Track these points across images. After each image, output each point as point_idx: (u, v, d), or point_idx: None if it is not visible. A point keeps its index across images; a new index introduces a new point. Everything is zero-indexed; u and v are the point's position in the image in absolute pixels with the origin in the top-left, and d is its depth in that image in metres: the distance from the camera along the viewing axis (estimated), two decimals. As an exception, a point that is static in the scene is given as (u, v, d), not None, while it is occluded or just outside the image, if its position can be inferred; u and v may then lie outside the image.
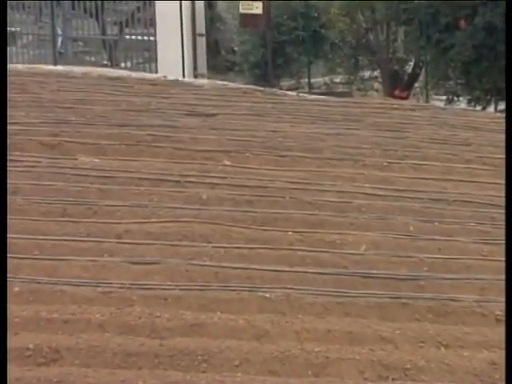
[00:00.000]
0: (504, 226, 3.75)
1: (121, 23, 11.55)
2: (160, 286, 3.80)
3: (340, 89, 12.54)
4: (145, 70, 10.60)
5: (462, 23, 9.80)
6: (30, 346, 3.21)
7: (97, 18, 11.48)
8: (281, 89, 10.43)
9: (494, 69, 9.37)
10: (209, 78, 10.38)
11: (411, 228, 4.71)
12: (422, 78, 11.51)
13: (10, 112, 5.23)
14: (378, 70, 12.31)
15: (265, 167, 5.74)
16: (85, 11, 11.48)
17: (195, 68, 10.48)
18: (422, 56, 10.82)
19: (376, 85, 12.52)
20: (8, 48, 8.57)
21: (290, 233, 4.51)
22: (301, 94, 9.50)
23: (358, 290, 3.89)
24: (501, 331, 3.31)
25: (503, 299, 3.35)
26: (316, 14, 11.61)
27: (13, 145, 5.50)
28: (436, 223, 4.81)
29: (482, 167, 6.04)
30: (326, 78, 12.74)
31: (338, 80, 12.75)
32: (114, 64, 11.18)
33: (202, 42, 10.62)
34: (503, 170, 4.71)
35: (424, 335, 3.49)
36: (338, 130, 6.78)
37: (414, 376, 3.22)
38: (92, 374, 3.06)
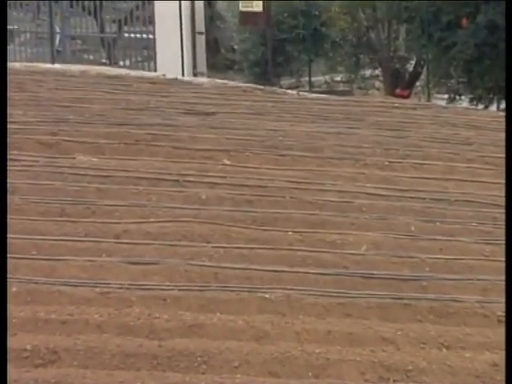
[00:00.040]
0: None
1: (119, 21, 11.52)
2: (159, 286, 3.77)
3: (341, 87, 12.52)
4: (144, 69, 10.58)
5: (464, 21, 9.77)
6: (28, 347, 3.19)
7: (95, 16, 11.46)
8: (281, 87, 10.41)
9: (496, 67, 9.34)
10: (208, 76, 10.36)
11: (412, 228, 4.69)
12: (423, 76, 11.49)
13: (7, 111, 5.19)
14: (379, 69, 12.29)
15: (265, 166, 5.71)
16: (83, 9, 11.46)
17: (194, 66, 10.46)
18: (424, 54, 10.79)
19: (377, 83, 12.51)
20: (6, 46, 8.50)
21: (290, 233, 4.48)
22: (301, 93, 9.48)
23: (359, 290, 3.87)
24: (503, 332, 3.28)
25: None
26: (317, 12, 11.59)
27: (10, 144, 5.46)
28: (437, 223, 4.78)
29: (484, 167, 6.02)
30: (327, 77, 12.72)
31: (338, 78, 12.74)
32: (112, 62, 11.16)
33: (201, 40, 10.59)
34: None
35: (426, 336, 3.47)
36: (338, 129, 6.76)
37: (415, 377, 3.19)
38: (90, 376, 3.04)
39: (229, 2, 12.39)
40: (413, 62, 11.90)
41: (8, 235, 3.71)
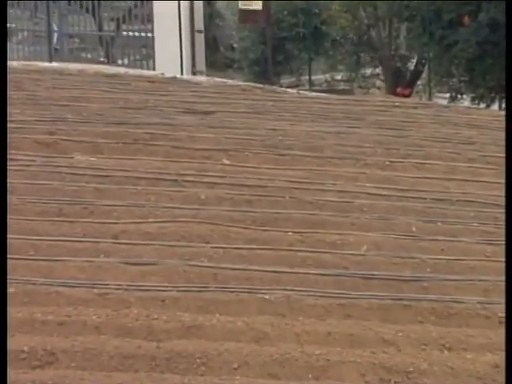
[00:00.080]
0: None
1: (118, 19, 11.49)
2: (157, 287, 3.75)
3: (341, 86, 12.49)
4: (142, 67, 10.55)
5: (466, 19, 9.75)
6: (25, 348, 3.17)
7: (93, 14, 11.42)
8: (281, 86, 10.39)
9: (498, 66, 9.31)
10: (207, 75, 10.33)
11: (413, 228, 4.67)
12: (424, 75, 11.46)
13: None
14: (380, 68, 12.26)
15: (264, 166, 5.68)
16: (81, 7, 11.43)
17: (193, 65, 10.43)
18: (425, 53, 10.77)
19: (378, 82, 12.48)
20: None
21: (290, 233, 4.46)
22: (301, 92, 9.46)
23: (360, 291, 3.84)
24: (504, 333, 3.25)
25: (508, 301, 3.29)
26: (317, 10, 11.57)
27: (8, 143, 5.43)
28: (439, 223, 4.76)
29: (486, 166, 6.00)
30: (327, 76, 12.69)
31: (339, 77, 12.71)
32: (110, 61, 11.13)
33: (200, 39, 10.56)
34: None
35: (427, 337, 3.45)
36: (339, 129, 6.73)
37: (416, 379, 3.18)
38: (88, 377, 3.02)
39: (228, 0, 12.36)
40: (414, 61, 11.87)
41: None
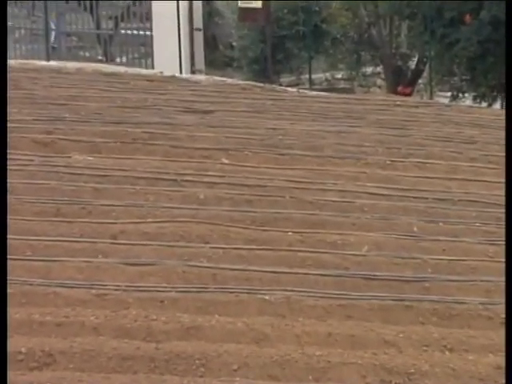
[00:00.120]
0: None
1: (116, 17, 11.45)
2: (156, 287, 3.74)
3: (341, 85, 12.47)
4: (141, 66, 10.52)
5: (468, 18, 9.72)
6: (23, 349, 3.15)
7: (91, 12, 11.39)
8: (281, 85, 10.37)
9: (499, 64, 9.29)
10: (206, 73, 10.31)
11: (415, 228, 4.65)
12: (425, 73, 11.44)
13: (3, 108, 5.13)
14: (381, 66, 12.24)
15: (264, 166, 5.66)
16: (79, 5, 11.39)
17: (193, 64, 10.40)
18: (426, 51, 10.74)
19: (379, 81, 12.46)
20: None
21: (289, 233, 4.45)
22: (301, 91, 9.44)
23: (361, 292, 3.83)
24: (507, 334, 3.23)
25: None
26: (317, 8, 11.55)
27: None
28: (440, 223, 4.75)
29: (488, 166, 5.98)
30: (328, 74, 12.68)
31: (339, 76, 12.69)
32: (108, 59, 11.10)
33: (199, 37, 10.53)
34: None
35: (428, 339, 3.44)
36: (339, 128, 6.71)
37: (417, 380, 3.17)
38: (86, 379, 3.02)
39: (228, -1, 12.34)
40: (415, 59, 11.85)
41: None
